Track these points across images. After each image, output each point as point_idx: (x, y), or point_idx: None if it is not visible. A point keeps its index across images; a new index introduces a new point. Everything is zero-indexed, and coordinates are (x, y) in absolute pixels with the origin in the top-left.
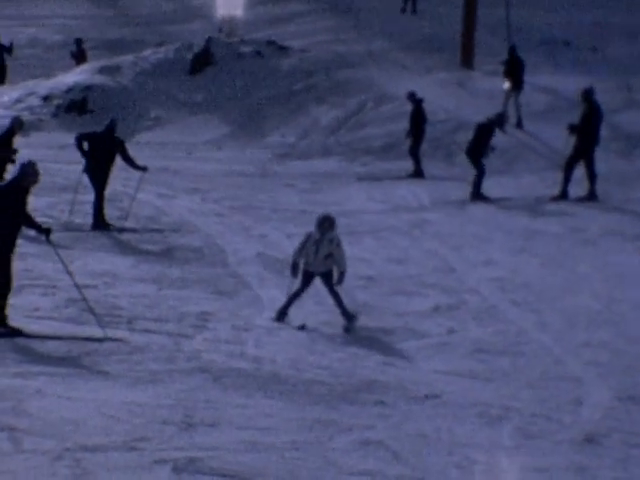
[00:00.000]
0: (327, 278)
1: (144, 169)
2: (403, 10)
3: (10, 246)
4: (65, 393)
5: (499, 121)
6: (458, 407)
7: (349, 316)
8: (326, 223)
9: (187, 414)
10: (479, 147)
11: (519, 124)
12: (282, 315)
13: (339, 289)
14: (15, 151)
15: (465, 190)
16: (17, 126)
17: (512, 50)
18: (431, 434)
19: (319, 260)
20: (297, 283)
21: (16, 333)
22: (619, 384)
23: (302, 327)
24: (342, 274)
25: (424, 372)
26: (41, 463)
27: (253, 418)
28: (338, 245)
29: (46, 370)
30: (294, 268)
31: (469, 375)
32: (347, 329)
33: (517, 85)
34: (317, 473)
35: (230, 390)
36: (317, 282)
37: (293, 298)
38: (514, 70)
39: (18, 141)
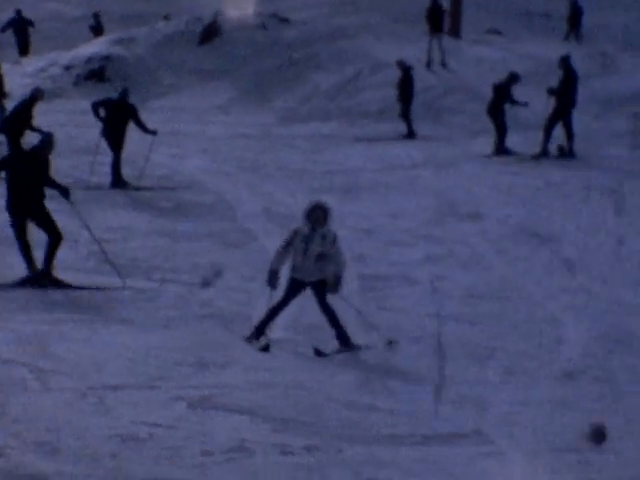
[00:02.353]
0: (320, 289)
1: (154, 133)
2: None
3: (42, 204)
4: (88, 337)
5: (513, 80)
6: (448, 347)
7: (345, 341)
8: (317, 213)
9: (200, 356)
10: (498, 106)
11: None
12: (257, 333)
13: (334, 301)
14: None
15: (453, 149)
16: (39, 96)
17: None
18: (424, 372)
19: (309, 263)
20: (278, 294)
21: (61, 285)
22: (595, 325)
23: (266, 347)
24: (339, 279)
25: (416, 316)
26: (67, 400)
27: (260, 360)
28: (334, 242)
29: (70, 317)
30: (272, 277)
31: (458, 318)
32: (321, 352)
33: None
34: (319, 408)
35: (239, 334)
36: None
37: (273, 313)
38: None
39: (38, 109)
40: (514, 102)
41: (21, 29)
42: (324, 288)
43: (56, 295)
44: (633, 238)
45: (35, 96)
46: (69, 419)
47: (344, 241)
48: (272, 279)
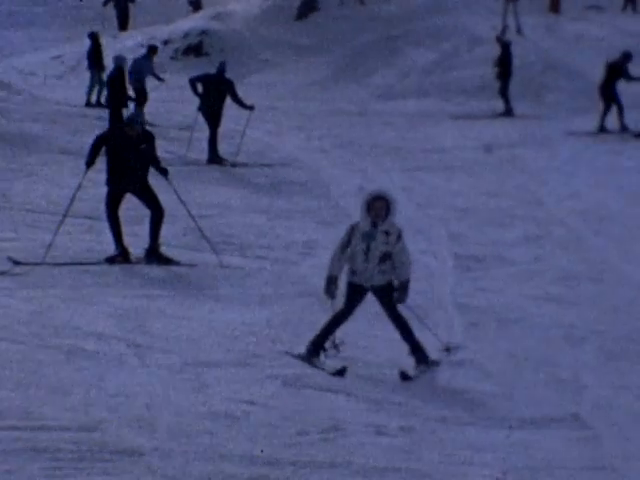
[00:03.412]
0: (386, 295)
1: (251, 108)
2: None
3: (139, 182)
4: (184, 314)
5: (626, 58)
6: (545, 329)
7: (422, 356)
8: (379, 205)
9: (294, 334)
10: (610, 84)
11: None
12: (315, 349)
13: (403, 311)
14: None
15: (552, 128)
16: (123, 64)
17: None
18: (519, 354)
19: (372, 265)
20: (339, 304)
21: (169, 262)
22: None
23: (342, 372)
24: (406, 285)
25: (513, 297)
26: (164, 376)
27: (355, 338)
28: (399, 238)
29: (167, 293)
30: (330, 284)
31: (555, 300)
32: (402, 374)
33: None
34: (413, 388)
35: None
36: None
37: (332, 325)
38: None
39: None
40: (631, 78)
41: (121, 4)
42: (391, 294)
43: (152, 271)
44: None
45: (120, 65)
46: (165, 395)
47: (440, 221)
48: (330, 287)
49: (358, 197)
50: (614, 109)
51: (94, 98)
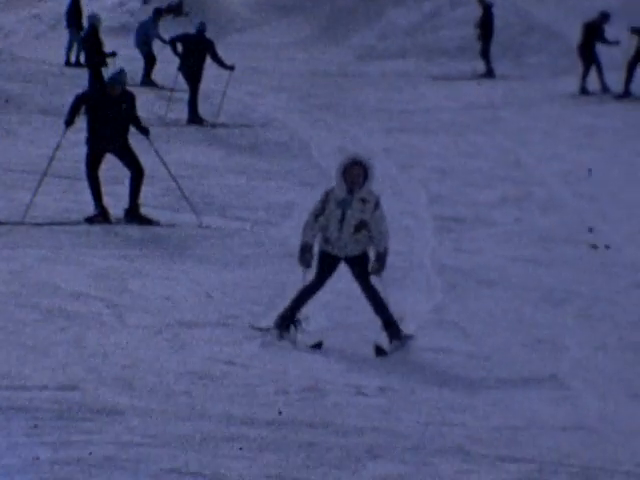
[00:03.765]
0: (360, 266)
1: (232, 68)
2: None
3: (119, 142)
4: (163, 274)
5: (603, 19)
6: (524, 290)
7: (396, 331)
8: (355, 171)
9: (274, 294)
10: (589, 45)
11: None
12: (284, 322)
13: (378, 283)
14: (109, 53)
15: (532, 89)
16: (97, 23)
17: None
18: (499, 315)
19: (346, 235)
20: (310, 274)
21: (148, 222)
22: None
23: (318, 345)
24: (383, 256)
25: (492, 258)
26: (144, 337)
27: (335, 300)
28: (377, 206)
29: (146, 253)
30: (304, 253)
31: (534, 261)
32: (377, 349)
33: None
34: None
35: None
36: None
37: (303, 296)
38: None
39: (118, 43)
40: (605, 41)
41: None
42: (365, 265)
43: (132, 231)
44: None
45: (93, 24)
46: (144, 355)
47: (420, 182)
48: (304, 255)
49: (338, 158)
50: (594, 70)
51: (73, 57)
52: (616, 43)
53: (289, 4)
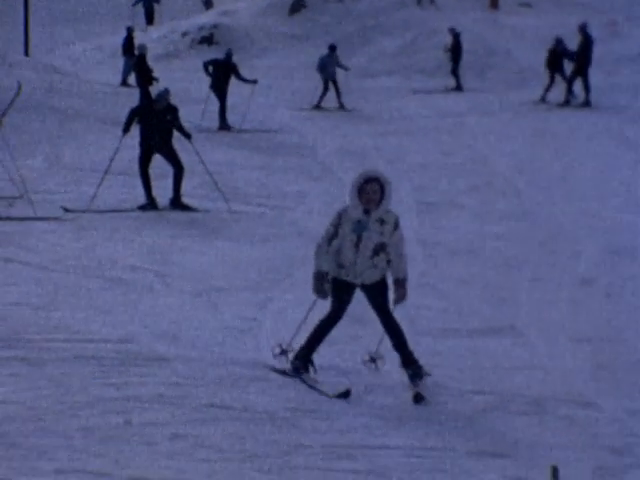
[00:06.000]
0: (379, 294)
1: (255, 82)
2: None
3: (164, 145)
4: (201, 249)
5: (559, 43)
6: (488, 259)
7: (417, 370)
8: (372, 188)
9: (289, 266)
10: (555, 62)
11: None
12: (304, 364)
13: (396, 313)
14: (153, 77)
15: (493, 100)
16: (143, 51)
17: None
18: (468, 278)
19: (362, 259)
20: (327, 305)
21: (188, 209)
22: (607, 241)
23: (345, 394)
24: (403, 282)
25: (463, 234)
26: (185, 299)
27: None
28: (396, 227)
29: (187, 233)
30: (319, 280)
31: (496, 236)
32: (417, 396)
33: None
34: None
35: None
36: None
37: (321, 332)
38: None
39: (163, 67)
40: (569, 55)
41: (147, 3)
42: (385, 293)
43: (175, 216)
44: (637, 168)
45: (142, 53)
46: (186, 314)
47: (405, 174)
48: (320, 284)
49: (339, 156)
50: (557, 82)
51: (128, 79)
52: (572, 57)
53: (299, 34)
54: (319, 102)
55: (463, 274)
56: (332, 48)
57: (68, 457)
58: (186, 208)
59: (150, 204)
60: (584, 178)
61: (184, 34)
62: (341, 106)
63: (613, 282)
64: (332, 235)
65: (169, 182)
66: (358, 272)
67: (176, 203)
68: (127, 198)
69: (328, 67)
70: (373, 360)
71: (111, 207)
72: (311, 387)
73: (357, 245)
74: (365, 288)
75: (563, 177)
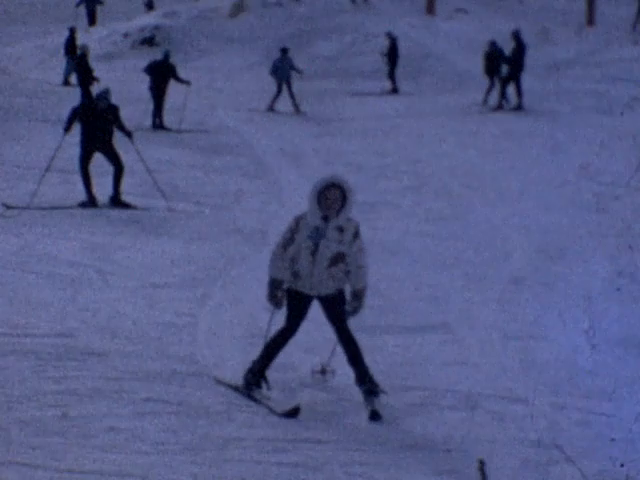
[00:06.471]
0: (336, 307)
1: (188, 83)
2: None
3: (105, 144)
4: (140, 247)
5: (493, 45)
6: (422, 257)
7: (373, 387)
8: (331, 194)
9: (227, 263)
10: (491, 67)
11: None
12: (255, 379)
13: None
14: (94, 77)
15: (428, 103)
16: (86, 51)
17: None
18: (403, 277)
19: (319, 269)
20: (280, 317)
21: (128, 206)
22: (537, 242)
23: (294, 412)
24: (361, 294)
25: (398, 233)
26: (124, 295)
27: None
28: (356, 236)
29: (126, 230)
30: (273, 288)
31: (430, 235)
32: (373, 414)
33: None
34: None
35: (258, 246)
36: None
37: (274, 346)
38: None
39: (103, 67)
40: (505, 59)
41: (90, 4)
42: (342, 306)
43: (115, 214)
44: (566, 171)
45: (83, 53)
46: (125, 309)
47: (341, 175)
48: (274, 293)
49: (277, 156)
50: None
51: (70, 79)
52: (509, 61)
53: (239, 37)
54: (271, 105)
55: (398, 272)
56: (284, 51)
57: (4, 450)
58: (126, 206)
59: (90, 202)
60: (515, 180)
61: (125, 35)
62: (296, 109)
63: (542, 281)
64: (288, 241)
65: (109, 180)
66: (315, 283)
67: (116, 201)
68: (68, 195)
69: (281, 70)
70: (323, 372)
71: (52, 204)
72: (260, 403)
73: (314, 254)
74: (321, 300)
75: (495, 179)
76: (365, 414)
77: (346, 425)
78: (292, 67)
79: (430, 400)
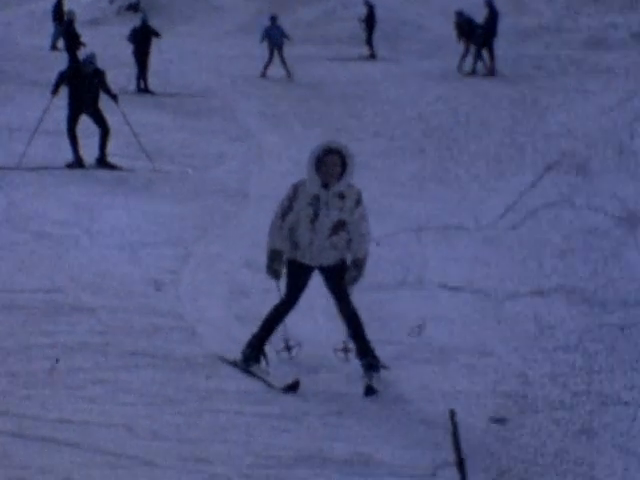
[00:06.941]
0: (337, 277)
1: (159, 35)
2: None
3: (91, 107)
4: (126, 206)
5: (460, 16)
6: (398, 219)
7: (374, 362)
8: (331, 160)
9: (210, 222)
10: (464, 34)
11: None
12: (254, 354)
13: (354, 296)
14: (80, 42)
15: (404, 68)
16: (73, 17)
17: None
18: (379, 237)
19: (320, 238)
20: (280, 289)
21: (114, 167)
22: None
23: (294, 386)
24: (361, 262)
25: (375, 194)
26: (110, 253)
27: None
28: (358, 203)
29: (112, 190)
30: (273, 259)
31: (404, 196)
32: (368, 389)
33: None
34: None
35: (240, 205)
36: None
37: (274, 320)
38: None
39: (90, 34)
40: (477, 25)
41: None
42: (344, 276)
43: (101, 175)
44: (541, 131)
45: (70, 18)
46: (111, 267)
47: (319, 138)
48: (274, 264)
49: (258, 119)
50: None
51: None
52: (481, 27)
53: (222, 2)
54: (264, 71)
55: (374, 233)
56: (273, 18)
57: None
58: (112, 167)
59: (77, 162)
60: (490, 141)
61: (111, 1)
62: (288, 73)
63: (514, 238)
64: (286, 209)
65: (96, 141)
66: (315, 253)
67: (102, 162)
68: (55, 156)
69: (272, 37)
70: (346, 350)
71: (40, 165)
72: (259, 378)
73: (313, 222)
74: (323, 270)
75: (468, 140)
76: (360, 386)
77: (323, 378)
78: (283, 34)
79: (405, 354)
